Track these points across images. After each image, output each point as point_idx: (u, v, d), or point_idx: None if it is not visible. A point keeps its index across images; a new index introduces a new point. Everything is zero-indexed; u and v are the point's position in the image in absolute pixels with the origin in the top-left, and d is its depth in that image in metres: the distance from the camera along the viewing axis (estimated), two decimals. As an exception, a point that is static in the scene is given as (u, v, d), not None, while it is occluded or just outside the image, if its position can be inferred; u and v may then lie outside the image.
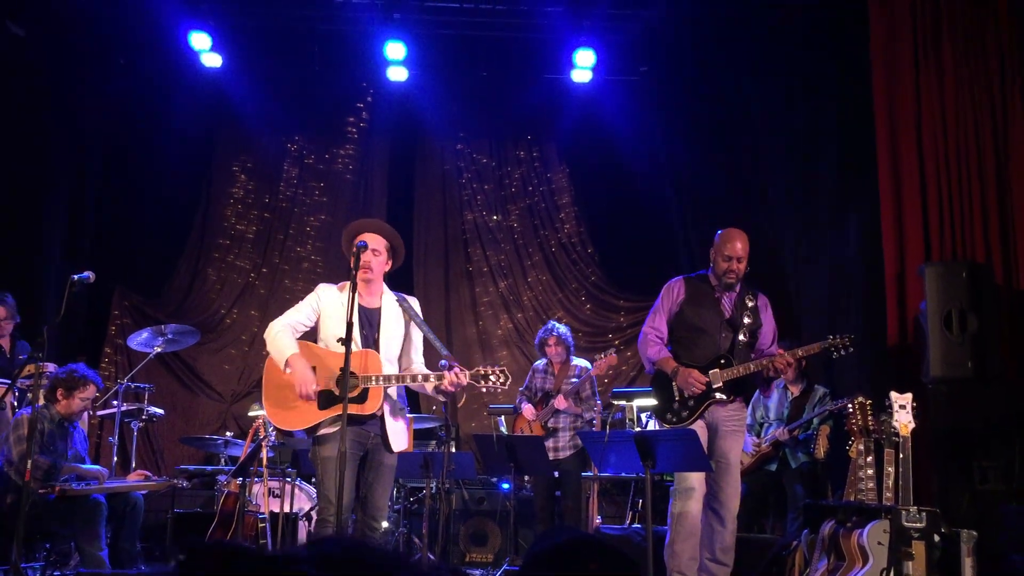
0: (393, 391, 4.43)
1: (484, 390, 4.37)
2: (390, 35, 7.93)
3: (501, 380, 4.29)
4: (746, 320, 4.99)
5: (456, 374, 4.24)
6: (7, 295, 6.57)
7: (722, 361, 4.93)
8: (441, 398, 4.43)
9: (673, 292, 5.13)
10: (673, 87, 8.61)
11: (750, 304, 5.02)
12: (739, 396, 5.02)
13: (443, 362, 4.34)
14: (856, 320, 6.86)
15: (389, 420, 4.39)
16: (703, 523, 4.95)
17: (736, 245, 4.96)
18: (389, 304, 4.53)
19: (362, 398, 4.26)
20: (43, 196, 8.12)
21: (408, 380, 4.38)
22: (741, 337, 4.97)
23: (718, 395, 4.89)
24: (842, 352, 4.86)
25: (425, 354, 4.60)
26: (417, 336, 4.58)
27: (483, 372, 4.31)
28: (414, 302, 4.64)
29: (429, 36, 8.19)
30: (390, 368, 4.40)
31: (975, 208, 5.90)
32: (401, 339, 4.53)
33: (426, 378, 4.34)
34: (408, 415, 4.58)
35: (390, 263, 4.55)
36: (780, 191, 8.01)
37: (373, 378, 4.27)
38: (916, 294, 5.72)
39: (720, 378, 4.88)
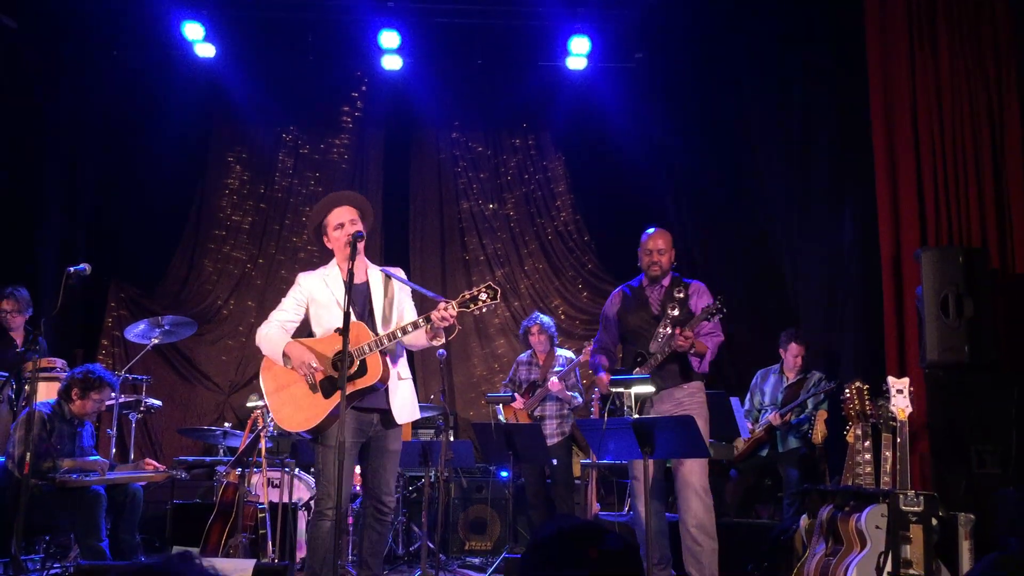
0: (393, 357, 4.31)
1: (477, 313, 4.20)
2: (384, 23, 7.89)
3: (491, 295, 4.03)
4: (673, 312, 5.02)
5: (443, 309, 4.03)
6: (20, 288, 6.56)
7: (638, 360, 5.03)
8: (438, 342, 4.21)
9: (608, 305, 5.32)
10: (668, 74, 8.58)
11: (679, 296, 5.08)
12: (672, 384, 5.00)
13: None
14: (853, 305, 6.87)
15: (392, 390, 4.29)
16: (679, 505, 4.92)
17: (657, 241, 5.15)
18: (375, 277, 4.44)
19: (361, 371, 4.14)
20: (38, 188, 8.10)
21: (399, 334, 4.17)
22: (662, 329, 5.00)
23: (616, 401, 4.93)
24: (714, 313, 4.79)
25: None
26: (409, 304, 4.48)
27: (469, 296, 4.06)
28: (397, 271, 4.51)
29: (423, 24, 8.15)
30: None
31: (971, 193, 5.89)
32: (395, 309, 4.41)
33: (416, 325, 4.14)
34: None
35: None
36: (775, 177, 7.99)
37: (366, 346, 4.14)
38: (912, 279, 5.72)
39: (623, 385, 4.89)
